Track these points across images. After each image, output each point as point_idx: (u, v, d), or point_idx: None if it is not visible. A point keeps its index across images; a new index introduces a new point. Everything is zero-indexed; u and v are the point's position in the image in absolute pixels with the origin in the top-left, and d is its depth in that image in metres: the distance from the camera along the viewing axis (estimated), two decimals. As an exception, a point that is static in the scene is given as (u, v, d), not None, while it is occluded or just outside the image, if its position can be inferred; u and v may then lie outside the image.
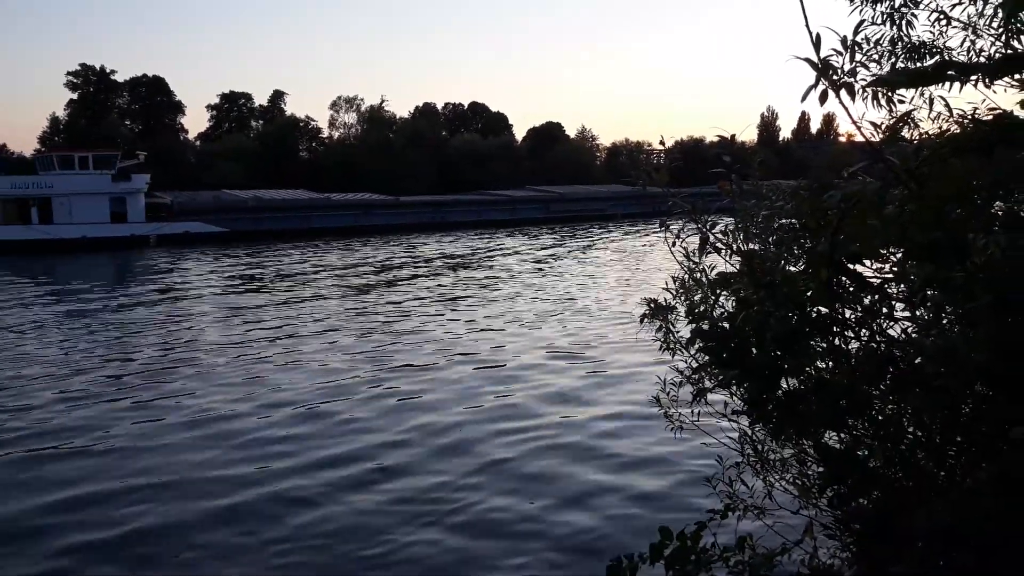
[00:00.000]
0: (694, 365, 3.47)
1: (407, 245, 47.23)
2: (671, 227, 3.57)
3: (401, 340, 17.75)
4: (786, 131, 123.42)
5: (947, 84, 2.58)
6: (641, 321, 3.72)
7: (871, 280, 2.83)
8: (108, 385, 14.22)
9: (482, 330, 18.95)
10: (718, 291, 3.28)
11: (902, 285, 2.82)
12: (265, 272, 34.36)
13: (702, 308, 3.27)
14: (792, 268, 2.96)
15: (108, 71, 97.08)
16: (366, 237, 52.80)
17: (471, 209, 64.27)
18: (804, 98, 2.33)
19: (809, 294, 2.80)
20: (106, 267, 39.29)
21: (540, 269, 33.16)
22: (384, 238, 52.24)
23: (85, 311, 23.72)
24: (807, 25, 2.25)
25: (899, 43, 4.19)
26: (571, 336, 17.75)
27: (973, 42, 4.01)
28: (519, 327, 19.23)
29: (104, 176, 48.88)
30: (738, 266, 3.18)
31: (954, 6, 3.84)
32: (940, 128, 3.25)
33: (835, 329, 2.95)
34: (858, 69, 2.40)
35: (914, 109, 2.97)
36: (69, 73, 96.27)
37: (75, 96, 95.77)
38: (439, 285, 28.39)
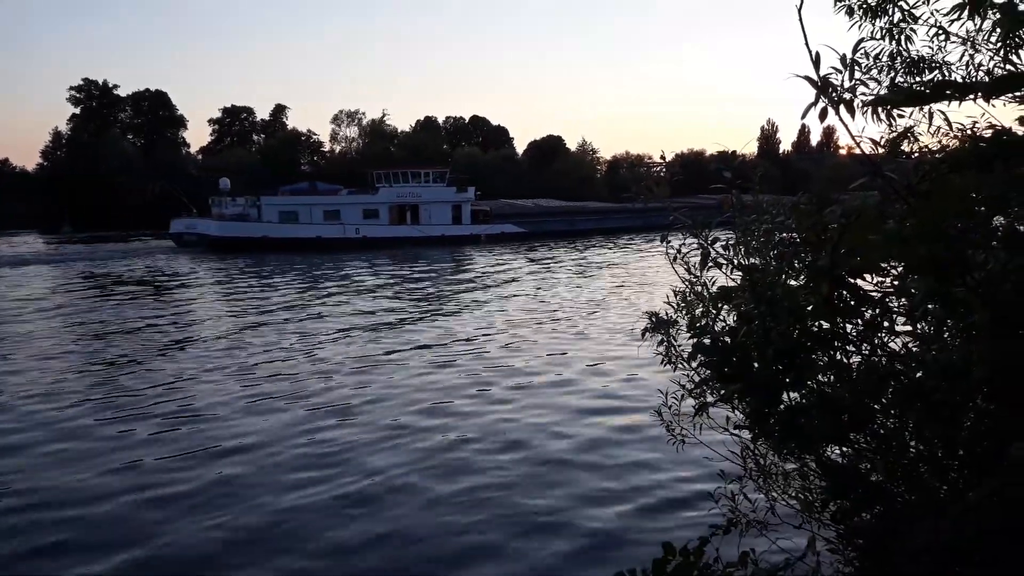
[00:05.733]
0: (696, 379, 3.48)
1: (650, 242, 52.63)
2: (671, 241, 3.59)
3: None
4: (786, 144, 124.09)
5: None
6: (643, 335, 3.73)
7: (872, 294, 2.84)
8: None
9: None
10: (719, 305, 3.28)
11: (903, 299, 2.83)
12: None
13: (703, 322, 3.28)
14: (793, 282, 2.96)
15: (111, 85, 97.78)
16: (606, 236, 61.83)
17: (669, 213, 73.06)
18: (804, 115, 2.35)
19: (810, 308, 2.81)
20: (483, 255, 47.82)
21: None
22: (618, 237, 60.48)
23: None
24: (807, 43, 2.27)
25: (898, 58, 4.23)
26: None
27: (972, 57, 4.04)
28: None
29: (450, 188, 60.90)
30: (739, 280, 3.19)
31: (952, 22, 3.87)
32: (939, 143, 3.27)
33: (836, 343, 2.96)
34: (858, 86, 2.41)
35: (914, 125, 2.99)
36: (72, 88, 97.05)
37: (77, 111, 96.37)
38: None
